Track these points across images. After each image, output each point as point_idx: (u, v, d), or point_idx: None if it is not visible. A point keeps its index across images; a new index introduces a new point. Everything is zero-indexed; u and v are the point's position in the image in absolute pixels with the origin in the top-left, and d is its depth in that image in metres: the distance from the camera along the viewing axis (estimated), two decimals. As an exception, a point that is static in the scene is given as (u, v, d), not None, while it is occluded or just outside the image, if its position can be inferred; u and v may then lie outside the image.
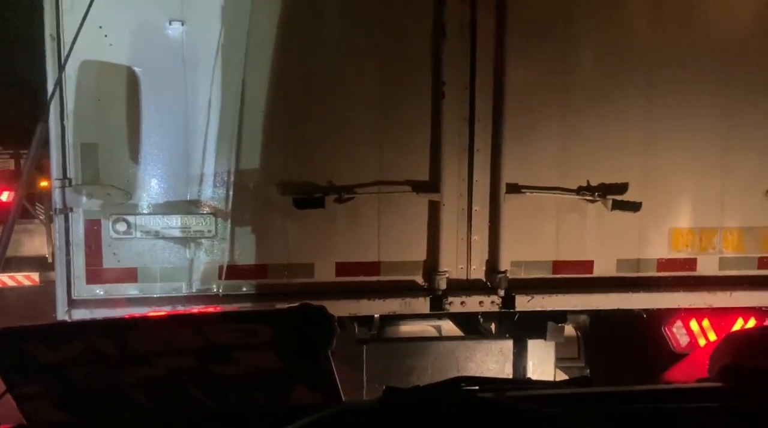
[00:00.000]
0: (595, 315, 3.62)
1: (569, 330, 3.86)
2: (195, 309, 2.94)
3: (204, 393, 1.42)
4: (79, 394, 1.40)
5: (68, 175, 2.78)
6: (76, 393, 1.40)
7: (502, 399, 1.14)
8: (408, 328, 3.67)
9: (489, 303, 3.05)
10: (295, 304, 1.47)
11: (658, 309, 3.22)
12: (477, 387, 1.61)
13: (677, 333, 3.20)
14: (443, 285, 3.01)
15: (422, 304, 3.02)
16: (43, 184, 7.70)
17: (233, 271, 2.93)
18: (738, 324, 3.20)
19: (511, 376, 3.45)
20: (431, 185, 2.98)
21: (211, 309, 2.91)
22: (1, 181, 9.07)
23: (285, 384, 1.47)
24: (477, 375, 3.39)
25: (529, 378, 1.68)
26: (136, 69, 2.77)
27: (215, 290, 2.91)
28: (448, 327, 3.72)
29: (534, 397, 1.22)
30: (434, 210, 3.00)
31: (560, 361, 3.83)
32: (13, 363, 1.40)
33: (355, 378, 3.43)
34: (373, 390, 3.35)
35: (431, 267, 3.03)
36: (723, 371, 1.34)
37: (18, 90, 7.21)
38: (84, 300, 2.84)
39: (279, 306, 2.97)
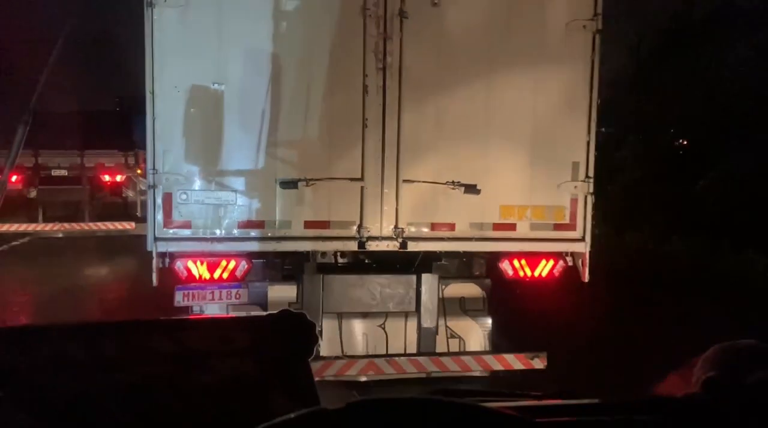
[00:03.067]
0: (493, 281, 5.78)
1: (477, 291, 5.94)
2: (221, 250, 5.09)
3: (179, 401, 1.39)
4: (47, 401, 1.34)
5: (155, 167, 4.94)
6: (43, 400, 1.34)
7: (472, 403, 1.09)
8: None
9: (392, 246, 5.15)
10: (275, 312, 1.52)
11: (496, 253, 5.38)
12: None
13: (503, 267, 5.37)
14: (366, 235, 5.07)
15: (353, 245, 5.12)
16: (138, 171, 12.71)
17: (245, 224, 5.02)
18: (542, 264, 5.35)
19: (413, 299, 5.59)
20: (360, 177, 5.11)
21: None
22: (115, 169, 13.96)
23: (263, 392, 1.43)
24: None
25: (511, 390, 1.65)
26: (193, 110, 4.94)
27: (234, 234, 5.07)
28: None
29: (515, 408, 1.19)
30: (362, 191, 5.12)
31: (471, 312, 5.89)
32: None
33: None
34: (332, 307, 5.48)
35: (359, 224, 5.08)
36: (707, 384, 1.28)
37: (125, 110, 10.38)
38: (162, 238, 4.98)
39: (265, 247, 5.12)
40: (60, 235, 13.78)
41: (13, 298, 9.86)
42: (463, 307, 5.91)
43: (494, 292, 5.99)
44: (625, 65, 22.36)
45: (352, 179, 5.06)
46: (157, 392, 1.38)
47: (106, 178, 14.36)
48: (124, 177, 14.50)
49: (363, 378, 5.64)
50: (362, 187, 5.08)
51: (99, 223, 13.71)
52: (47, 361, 1.36)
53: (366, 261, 5.69)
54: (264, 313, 2.07)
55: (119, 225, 13.39)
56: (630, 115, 19.95)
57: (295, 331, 1.47)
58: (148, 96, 4.81)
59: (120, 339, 1.45)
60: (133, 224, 13.15)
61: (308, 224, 5.09)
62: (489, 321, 5.92)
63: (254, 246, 5.12)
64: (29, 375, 1.35)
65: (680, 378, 1.38)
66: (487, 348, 5.81)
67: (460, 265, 5.97)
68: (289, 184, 4.98)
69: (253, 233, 5.06)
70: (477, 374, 5.92)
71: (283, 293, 5.59)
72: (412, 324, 5.69)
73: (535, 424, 1.06)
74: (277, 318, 1.49)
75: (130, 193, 14.69)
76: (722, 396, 1.23)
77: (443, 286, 5.78)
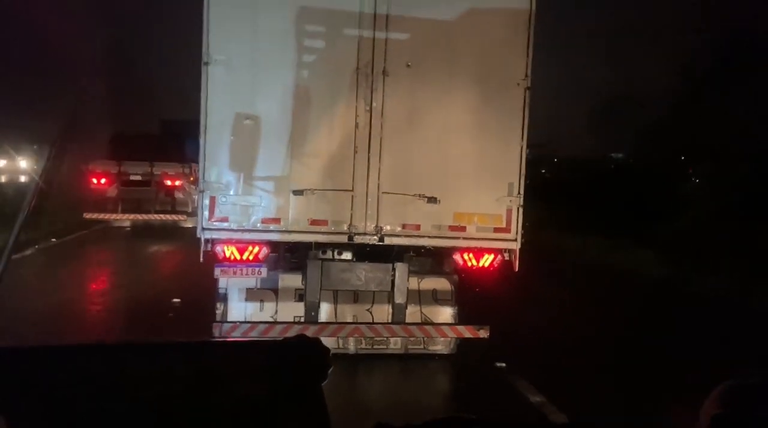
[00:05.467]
0: (461, 275, 7.54)
1: (447, 285, 7.75)
2: (248, 239, 7.01)
3: (196, 421, 1.43)
4: (69, 418, 1.38)
5: (204, 177, 6.87)
6: (65, 417, 1.38)
7: None
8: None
9: (373, 240, 6.97)
10: (292, 336, 1.60)
11: (450, 247, 7.18)
12: None
13: (455, 259, 7.16)
14: (354, 231, 6.87)
15: (344, 238, 6.97)
16: (191, 179, 16.75)
17: (266, 220, 6.89)
18: (485, 257, 7.11)
19: (389, 281, 7.38)
20: (351, 189, 6.96)
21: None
22: (175, 176, 18.24)
23: (276, 416, 1.47)
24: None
25: (525, 421, 1.36)
26: (231, 138, 6.86)
27: (258, 227, 6.97)
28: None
29: None
30: (352, 199, 6.97)
31: (441, 301, 7.66)
32: (7, 383, 1.38)
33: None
34: (328, 286, 7.36)
35: (349, 223, 6.90)
36: (715, 421, 1.24)
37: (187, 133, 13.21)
38: (207, 228, 6.86)
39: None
40: (128, 224, 19.23)
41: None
42: (435, 298, 7.72)
43: (461, 286, 7.73)
44: (687, 86, 20.84)
45: (344, 190, 6.89)
46: (175, 412, 1.41)
47: (168, 182, 18.62)
48: (181, 183, 18.45)
49: (351, 346, 7.52)
50: (352, 196, 6.90)
51: (162, 215, 18.65)
52: (70, 379, 1.40)
53: (355, 254, 7.49)
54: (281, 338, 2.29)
55: (175, 217, 18.60)
56: (696, 140, 18.92)
57: (309, 356, 1.51)
58: (201, 128, 6.73)
59: (141, 359, 1.50)
60: (185, 216, 18.04)
61: (312, 222, 6.92)
62: (455, 309, 7.71)
63: (273, 237, 7.01)
64: (52, 393, 1.37)
65: (690, 415, 1.36)
66: None
67: (434, 264, 7.77)
68: (299, 192, 6.82)
69: (272, 227, 6.93)
70: (446, 352, 7.73)
71: (291, 281, 7.49)
72: (391, 308, 7.49)
73: None
74: (292, 343, 1.53)
75: (180, 195, 18.94)
76: None
77: (419, 280, 7.60)
